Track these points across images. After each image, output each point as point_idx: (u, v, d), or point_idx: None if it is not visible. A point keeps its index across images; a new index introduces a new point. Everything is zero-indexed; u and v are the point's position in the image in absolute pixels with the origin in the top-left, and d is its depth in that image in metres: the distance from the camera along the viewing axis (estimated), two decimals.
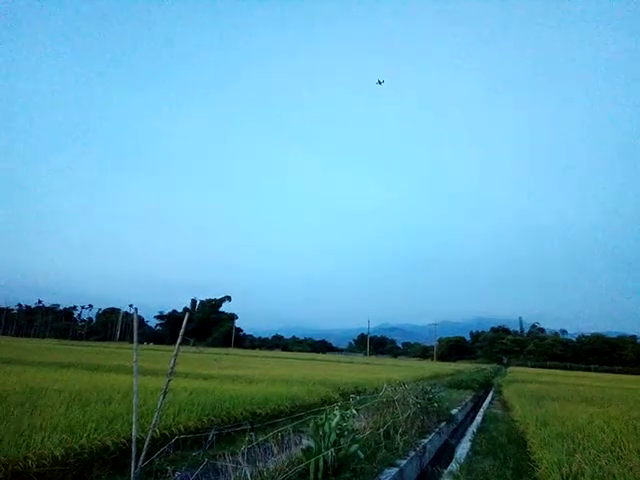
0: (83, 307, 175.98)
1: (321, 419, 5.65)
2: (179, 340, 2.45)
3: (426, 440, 9.90)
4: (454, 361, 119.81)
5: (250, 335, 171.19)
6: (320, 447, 5.42)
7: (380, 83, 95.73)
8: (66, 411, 7.74)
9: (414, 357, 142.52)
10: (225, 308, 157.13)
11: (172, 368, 2.38)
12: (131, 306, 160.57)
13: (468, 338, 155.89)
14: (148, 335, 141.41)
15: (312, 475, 5.23)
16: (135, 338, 2.43)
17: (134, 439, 2.18)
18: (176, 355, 2.39)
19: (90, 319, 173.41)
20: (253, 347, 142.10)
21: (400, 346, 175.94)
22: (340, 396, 15.07)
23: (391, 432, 8.64)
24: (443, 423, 12.42)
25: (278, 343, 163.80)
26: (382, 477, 6.55)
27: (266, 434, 7.20)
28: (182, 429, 7.89)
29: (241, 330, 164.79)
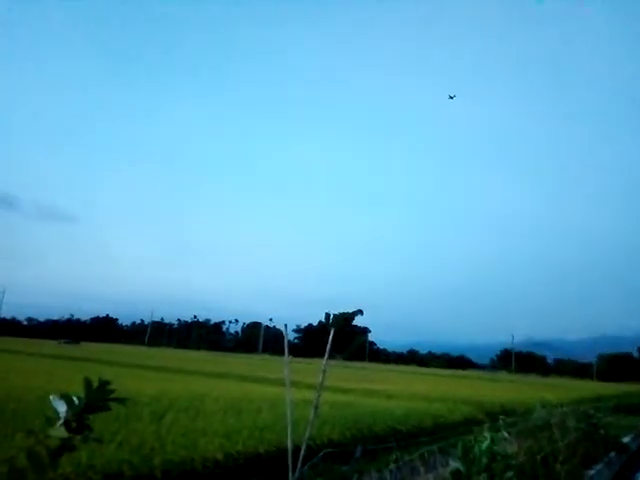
0: (230, 321, 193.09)
1: (470, 441, 5.31)
2: (326, 355, 2.51)
3: (592, 471, 8.72)
4: (619, 381, 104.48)
5: (384, 349, 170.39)
6: (470, 471, 5.09)
7: (452, 98, 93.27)
8: (223, 418, 8.45)
9: (568, 376, 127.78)
10: (358, 322, 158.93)
11: (322, 383, 2.43)
12: (271, 320, 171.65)
13: (636, 355, 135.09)
14: (288, 348, 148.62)
15: None
16: (286, 353, 2.54)
17: (290, 450, 2.27)
18: (324, 370, 2.44)
19: (236, 332, 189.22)
20: (387, 361, 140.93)
21: (551, 363, 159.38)
22: (486, 416, 14.09)
23: (549, 459, 7.77)
24: (612, 453, 10.84)
25: (413, 358, 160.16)
26: None
27: (409, 452, 7.00)
28: (325, 441, 8.08)
29: (374, 344, 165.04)
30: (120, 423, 7.04)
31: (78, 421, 2.09)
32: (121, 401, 2.30)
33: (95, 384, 2.18)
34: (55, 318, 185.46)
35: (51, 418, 2.09)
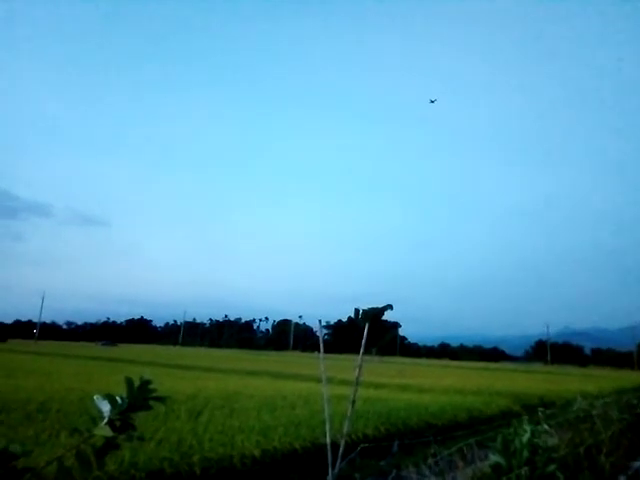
0: (260, 320, 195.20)
1: (509, 434, 5.20)
2: (362, 350, 2.50)
3: (638, 463, 8.43)
4: None
5: (415, 343, 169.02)
6: (511, 464, 4.98)
7: (432, 102, 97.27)
8: (258, 415, 8.54)
9: (607, 366, 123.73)
10: (388, 317, 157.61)
11: (358, 378, 2.43)
12: (300, 317, 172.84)
13: None
14: (318, 344, 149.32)
15: None
16: (321, 349, 2.54)
17: (329, 446, 2.27)
18: (360, 365, 2.44)
19: (267, 330, 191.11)
20: (419, 355, 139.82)
21: (588, 353, 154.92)
22: (522, 409, 13.81)
23: (593, 452, 7.55)
24: None
25: (445, 351, 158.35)
26: None
27: (447, 447, 6.90)
28: (360, 436, 8.06)
29: (405, 338, 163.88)
30: (159, 422, 7.20)
31: (122, 420, 2.15)
32: (162, 400, 2.35)
33: (137, 383, 2.23)
34: (92, 321, 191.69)
35: (95, 417, 2.15)
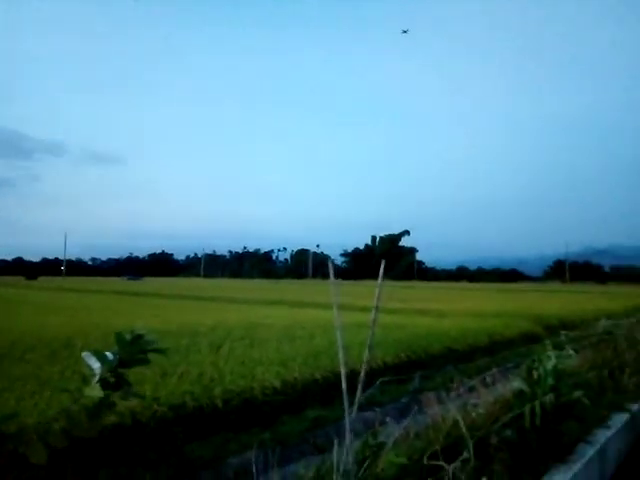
0: (279, 250, 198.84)
1: (533, 361, 5.07)
2: (381, 274, 2.30)
3: None
4: None
5: (433, 268, 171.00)
6: (535, 391, 4.88)
7: (404, 32, 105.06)
8: (278, 345, 8.63)
9: (626, 282, 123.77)
10: (405, 242, 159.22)
11: (377, 303, 2.26)
12: (318, 246, 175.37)
13: None
14: (336, 272, 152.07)
15: (527, 420, 4.74)
16: (331, 275, 2.30)
17: (343, 376, 2.13)
18: (380, 291, 2.24)
19: (286, 260, 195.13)
20: (437, 279, 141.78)
21: (608, 271, 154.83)
22: (543, 330, 13.85)
23: (616, 373, 7.51)
24: None
25: (463, 274, 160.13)
26: (611, 423, 5.73)
27: (468, 373, 6.88)
28: (381, 364, 8.12)
29: (423, 263, 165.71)
30: (181, 355, 7.30)
31: (115, 377, 1.97)
32: (161, 352, 2.16)
33: (128, 337, 2.02)
34: (116, 257, 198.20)
35: (87, 376, 1.97)
